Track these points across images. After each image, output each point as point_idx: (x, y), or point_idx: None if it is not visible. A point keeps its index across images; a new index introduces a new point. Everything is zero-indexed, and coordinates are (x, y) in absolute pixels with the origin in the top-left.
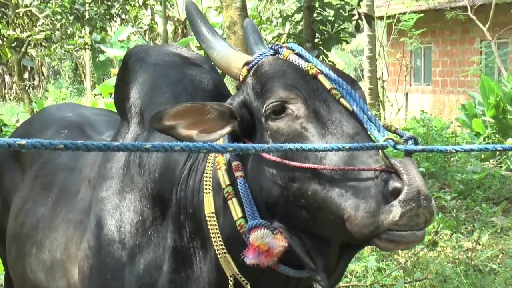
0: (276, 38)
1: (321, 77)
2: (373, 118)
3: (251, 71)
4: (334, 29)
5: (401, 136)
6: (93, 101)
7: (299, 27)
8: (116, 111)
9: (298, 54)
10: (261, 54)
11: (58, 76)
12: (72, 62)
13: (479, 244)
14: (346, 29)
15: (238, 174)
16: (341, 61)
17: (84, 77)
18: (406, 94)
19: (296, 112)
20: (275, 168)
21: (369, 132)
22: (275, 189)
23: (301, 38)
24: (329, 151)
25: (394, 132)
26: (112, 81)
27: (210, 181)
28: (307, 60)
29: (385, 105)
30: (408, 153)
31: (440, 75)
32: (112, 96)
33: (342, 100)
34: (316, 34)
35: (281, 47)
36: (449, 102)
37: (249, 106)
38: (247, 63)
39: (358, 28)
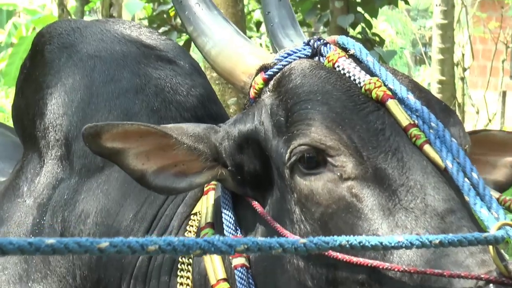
0: None
1: (392, 104)
2: (480, 183)
3: (271, 83)
4: None
5: None
6: None
7: None
8: (14, 128)
9: (353, 58)
10: (289, 54)
11: None
12: None
13: None
14: None
15: (237, 262)
16: (389, 27)
17: None
18: (504, 93)
19: (341, 170)
20: (303, 259)
21: (472, 209)
22: None
23: None
24: (406, 248)
25: None
26: None
27: (188, 269)
28: (368, 70)
29: (465, 109)
30: None
31: None
32: None
33: (427, 148)
34: None
35: (325, 44)
36: None
37: (263, 144)
38: (264, 68)
39: None
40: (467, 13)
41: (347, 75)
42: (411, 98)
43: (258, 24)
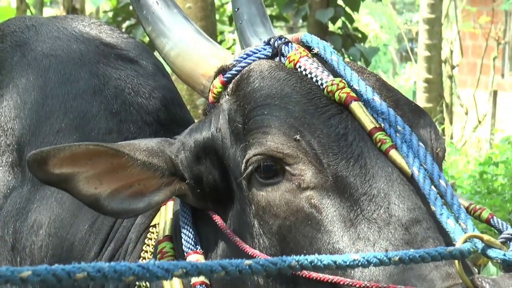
0: None
1: (355, 107)
2: (449, 192)
3: (230, 87)
4: None
5: (498, 231)
6: None
7: None
8: None
9: (318, 57)
10: (248, 55)
11: None
12: None
13: None
14: None
15: (196, 279)
16: (373, 21)
17: None
18: (495, 92)
19: (300, 178)
20: (263, 275)
21: (438, 219)
22: None
23: None
24: (363, 267)
25: (487, 222)
26: None
27: (147, 286)
28: (333, 70)
29: (453, 110)
30: (510, 267)
31: None
32: None
33: (393, 153)
34: None
35: (286, 43)
36: None
37: (220, 152)
38: (222, 71)
39: None
40: (456, 7)
41: (309, 76)
42: (377, 100)
43: (231, 18)
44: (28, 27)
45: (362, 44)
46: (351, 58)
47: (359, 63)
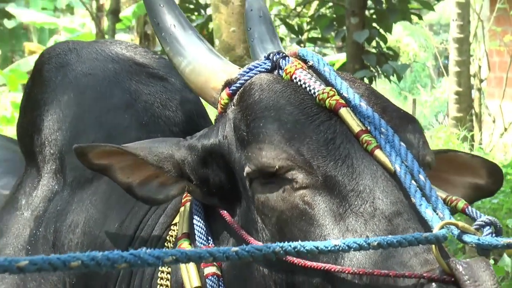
0: (300, 7)
1: (344, 112)
2: (427, 185)
3: (235, 98)
4: None
5: (473, 219)
6: None
7: None
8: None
9: (312, 69)
10: (250, 69)
11: None
12: None
13: None
14: None
15: (209, 271)
16: (412, 41)
17: None
18: None
19: (293, 181)
20: (267, 266)
21: (418, 209)
22: None
23: (342, 9)
24: (343, 252)
25: (463, 211)
26: (25, 63)
27: (167, 278)
28: (325, 80)
29: (482, 120)
30: (483, 250)
31: None
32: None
33: (378, 153)
34: (368, 2)
35: (284, 57)
36: None
37: (227, 157)
38: (228, 84)
39: None
40: (483, 28)
41: (303, 86)
42: (364, 105)
43: None
44: (71, 50)
45: (394, 61)
46: (384, 74)
47: (391, 77)
